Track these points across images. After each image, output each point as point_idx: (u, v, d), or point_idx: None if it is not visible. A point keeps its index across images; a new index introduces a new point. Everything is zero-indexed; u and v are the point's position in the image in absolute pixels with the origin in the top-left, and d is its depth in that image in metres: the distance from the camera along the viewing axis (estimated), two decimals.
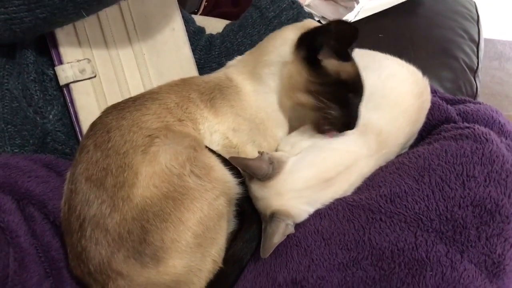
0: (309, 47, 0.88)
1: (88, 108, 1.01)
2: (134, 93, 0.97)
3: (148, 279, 0.75)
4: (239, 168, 0.85)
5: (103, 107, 0.92)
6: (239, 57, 1.01)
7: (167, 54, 1.06)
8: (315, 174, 0.83)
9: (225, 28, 1.25)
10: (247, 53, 1.00)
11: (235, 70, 0.97)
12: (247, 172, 0.85)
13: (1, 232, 0.81)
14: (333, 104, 0.87)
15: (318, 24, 0.93)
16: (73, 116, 1.01)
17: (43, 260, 0.84)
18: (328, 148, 0.86)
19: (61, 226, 0.85)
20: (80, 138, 1.01)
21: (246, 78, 0.94)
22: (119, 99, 0.93)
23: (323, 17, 1.44)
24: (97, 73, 1.01)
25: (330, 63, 0.87)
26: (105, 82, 1.02)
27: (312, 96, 0.88)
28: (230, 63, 1.00)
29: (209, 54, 1.17)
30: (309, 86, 0.88)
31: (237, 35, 1.19)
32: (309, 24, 0.95)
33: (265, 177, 0.82)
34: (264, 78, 0.93)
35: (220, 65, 1.12)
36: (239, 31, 1.20)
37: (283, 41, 0.93)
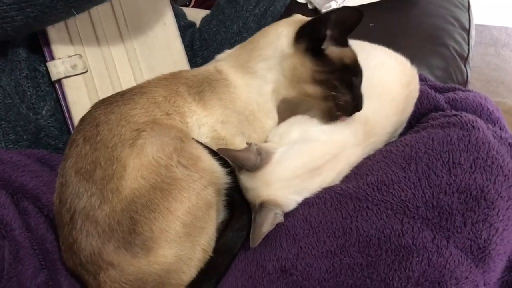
0: (311, 38, 0.89)
1: (80, 102, 1.02)
2: (126, 87, 0.97)
3: (139, 269, 0.76)
4: (227, 159, 0.86)
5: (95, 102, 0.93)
6: (228, 51, 1.01)
7: (158, 49, 1.07)
8: (303, 163, 0.84)
9: (201, 20, 1.25)
10: (238, 46, 1.00)
11: (225, 63, 0.96)
12: (236, 164, 0.86)
13: None
14: (343, 89, 0.88)
15: (307, 18, 0.94)
16: (65, 111, 1.02)
17: (38, 252, 0.86)
18: (316, 138, 0.87)
19: (54, 219, 0.86)
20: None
21: (238, 71, 0.94)
22: (110, 92, 0.94)
23: (310, 2, 1.44)
24: (89, 68, 1.02)
25: (334, 51, 0.89)
26: (97, 77, 1.03)
27: (320, 85, 0.89)
28: (219, 56, 1.00)
29: (192, 49, 1.18)
30: (316, 75, 0.89)
31: (211, 24, 1.20)
32: (300, 18, 0.96)
33: (254, 168, 0.83)
34: (260, 72, 0.93)
35: (204, 58, 1.13)
36: (212, 19, 1.20)
37: (277, 36, 0.92)
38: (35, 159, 0.98)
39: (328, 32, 0.88)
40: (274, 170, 0.83)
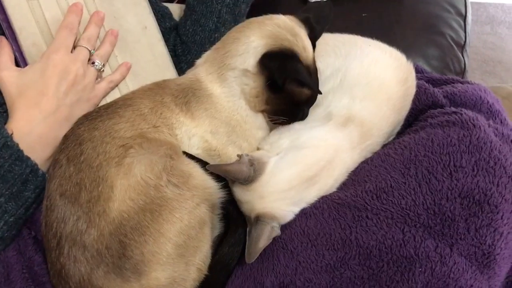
0: (275, 75, 0.85)
1: None
2: (110, 99, 0.94)
3: None
4: (220, 174, 0.83)
5: None
6: (205, 54, 0.95)
7: (141, 54, 1.02)
8: (298, 173, 0.81)
9: (179, 22, 1.19)
10: (213, 48, 0.95)
11: (202, 70, 0.92)
12: (229, 178, 0.83)
13: None
14: (286, 115, 0.88)
15: (283, 27, 0.88)
16: None
17: (27, 276, 0.84)
18: (308, 145, 0.83)
19: (42, 241, 0.83)
20: None
21: (214, 79, 0.90)
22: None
23: None
24: None
25: (290, 87, 0.86)
26: None
27: (270, 107, 0.90)
28: (198, 62, 0.95)
29: (176, 54, 1.13)
30: (268, 101, 0.89)
31: (186, 25, 1.14)
32: (274, 28, 0.88)
33: (247, 180, 0.79)
34: (230, 81, 0.89)
35: (188, 63, 1.08)
36: (186, 20, 1.14)
37: (247, 47, 0.87)
38: None
39: (292, 76, 0.85)
40: (268, 182, 0.80)
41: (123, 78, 0.99)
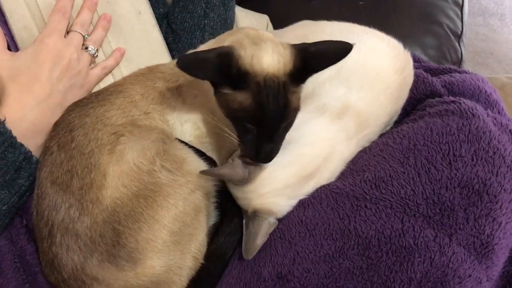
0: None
1: None
2: (103, 85, 0.92)
3: (126, 282, 0.73)
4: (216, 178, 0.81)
5: None
6: (208, 42, 0.91)
7: (135, 40, 0.99)
8: (294, 172, 0.79)
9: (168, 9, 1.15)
10: (210, 41, 0.91)
11: None
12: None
13: None
14: (234, 132, 0.77)
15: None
16: None
17: (19, 266, 0.82)
18: (303, 143, 0.81)
19: (33, 231, 0.81)
20: None
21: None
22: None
23: None
24: None
25: (222, 89, 0.73)
26: None
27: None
28: (201, 46, 0.92)
29: (167, 42, 1.10)
30: (218, 105, 0.78)
31: (174, 13, 1.11)
32: (244, 33, 0.79)
33: (243, 182, 0.78)
34: None
35: (179, 51, 1.06)
36: (175, 8, 1.11)
37: None
38: None
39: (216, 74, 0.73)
40: (264, 183, 0.78)
41: (117, 64, 0.96)
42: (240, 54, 0.72)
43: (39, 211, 0.75)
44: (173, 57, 1.08)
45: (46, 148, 0.79)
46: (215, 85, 0.74)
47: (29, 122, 0.82)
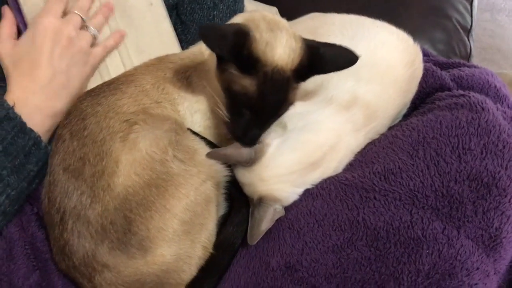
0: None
1: None
2: (115, 75, 0.92)
3: (136, 270, 0.73)
4: (221, 161, 0.82)
5: None
6: None
7: (146, 30, 1.00)
8: (299, 158, 0.79)
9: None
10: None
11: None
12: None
13: None
14: (228, 113, 0.78)
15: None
16: None
17: (29, 252, 0.83)
18: (308, 130, 0.81)
19: (44, 218, 0.82)
20: None
21: (210, 54, 0.86)
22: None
23: None
24: None
25: (229, 68, 0.74)
26: None
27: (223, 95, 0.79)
28: None
29: (176, 33, 1.10)
30: (218, 80, 0.78)
31: (184, 4, 1.10)
32: (259, 15, 0.80)
33: (249, 163, 0.78)
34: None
35: (188, 43, 1.06)
36: None
37: None
38: None
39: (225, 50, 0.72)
40: (268, 166, 0.78)
41: (117, 44, 0.96)
42: (255, 37, 0.72)
43: (51, 198, 0.76)
44: (182, 48, 1.08)
45: (58, 136, 0.79)
46: (221, 60, 0.75)
47: (33, 106, 0.82)
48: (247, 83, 0.73)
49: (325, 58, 0.74)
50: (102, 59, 0.94)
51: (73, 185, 0.74)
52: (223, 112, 0.78)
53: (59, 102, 0.84)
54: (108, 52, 0.95)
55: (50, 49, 0.84)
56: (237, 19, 0.80)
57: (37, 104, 0.83)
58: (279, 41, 0.73)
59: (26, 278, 0.80)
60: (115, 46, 0.96)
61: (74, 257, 0.73)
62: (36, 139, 0.80)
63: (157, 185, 0.73)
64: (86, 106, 0.79)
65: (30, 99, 0.82)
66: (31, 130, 0.80)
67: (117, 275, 0.73)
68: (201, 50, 0.89)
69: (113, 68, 0.96)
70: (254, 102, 0.73)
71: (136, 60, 0.97)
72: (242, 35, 0.71)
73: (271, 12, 1.31)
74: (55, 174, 0.76)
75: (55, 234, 0.76)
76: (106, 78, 0.93)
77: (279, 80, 0.73)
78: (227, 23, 0.79)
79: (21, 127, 0.79)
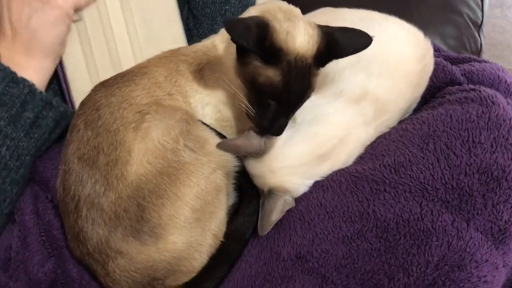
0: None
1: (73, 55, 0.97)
2: (118, 37, 0.95)
3: (149, 257, 0.74)
4: (232, 152, 0.82)
5: (88, 54, 0.94)
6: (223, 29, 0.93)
7: (155, 22, 1.01)
8: (308, 150, 0.80)
9: None
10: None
11: (220, 37, 0.90)
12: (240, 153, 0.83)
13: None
14: (254, 106, 0.77)
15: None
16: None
17: (45, 239, 0.84)
18: (318, 122, 0.82)
19: (58, 206, 0.83)
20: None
21: (225, 48, 0.87)
22: (103, 44, 0.94)
23: None
24: (82, 17, 0.97)
25: (252, 60, 0.74)
26: (90, 27, 0.98)
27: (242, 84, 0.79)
28: (223, 29, 0.93)
29: (188, 28, 1.11)
30: (238, 74, 0.79)
31: None
32: (275, 6, 0.80)
33: (259, 154, 0.79)
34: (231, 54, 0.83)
35: (200, 37, 1.04)
36: None
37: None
38: None
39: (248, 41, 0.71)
40: (277, 157, 0.79)
41: None
42: (275, 27, 0.73)
43: (66, 186, 0.77)
44: (193, 42, 1.09)
45: (73, 126, 0.81)
46: (242, 53, 0.75)
47: (14, 64, 0.83)
48: (272, 74, 0.73)
49: (341, 42, 0.75)
50: (72, 3, 0.91)
51: (87, 174, 0.75)
52: (245, 105, 0.78)
53: (34, 59, 0.84)
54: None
55: (7, 4, 0.84)
56: (252, 11, 0.80)
57: (16, 62, 0.83)
58: (298, 30, 0.74)
59: (41, 265, 0.82)
60: None
61: (88, 243, 0.75)
62: (30, 87, 0.82)
63: (169, 173, 0.75)
64: (100, 96, 0.81)
65: (7, 56, 0.83)
66: (24, 79, 0.81)
67: (130, 262, 0.74)
68: (214, 43, 0.89)
69: (118, 34, 0.98)
70: (279, 92, 0.74)
71: (146, 51, 0.98)
72: (264, 26, 0.72)
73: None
74: (70, 163, 0.77)
75: (70, 222, 0.77)
76: (110, 38, 0.96)
77: (302, 68, 0.74)
78: (246, 15, 0.79)
79: (12, 77, 0.80)
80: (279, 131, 0.77)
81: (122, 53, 0.99)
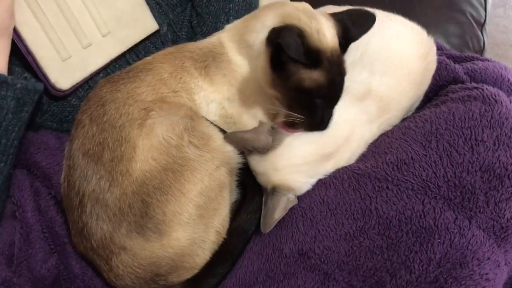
0: (274, 46, 0.77)
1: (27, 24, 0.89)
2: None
3: (152, 253, 0.75)
4: (237, 145, 0.83)
5: (41, 17, 0.86)
6: (236, 21, 0.94)
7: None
8: (314, 150, 0.81)
9: None
10: (243, 18, 0.93)
11: (226, 36, 0.90)
12: (246, 147, 0.83)
13: (12, 208, 0.82)
14: (299, 109, 0.79)
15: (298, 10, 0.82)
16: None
17: (48, 236, 0.85)
18: None
19: (62, 202, 0.83)
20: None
21: (235, 47, 0.88)
22: (52, 2, 0.87)
23: None
24: None
25: (294, 69, 0.76)
26: None
27: (279, 93, 0.81)
28: (227, 26, 0.94)
29: (192, 25, 1.10)
30: (275, 84, 0.80)
31: None
32: (292, 7, 0.83)
33: (265, 149, 0.79)
34: (245, 56, 0.87)
35: (203, 35, 1.04)
36: None
37: (262, 26, 0.82)
38: (53, 136, 0.94)
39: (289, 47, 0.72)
40: (282, 155, 0.80)
41: None
42: (306, 30, 0.76)
43: (70, 182, 0.78)
44: (196, 40, 1.09)
45: (78, 121, 0.81)
46: (278, 66, 0.77)
47: None
48: (317, 76, 0.76)
49: (352, 27, 0.80)
50: None
51: (92, 169, 0.75)
52: (286, 111, 0.81)
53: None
54: None
55: None
56: (270, 16, 0.82)
57: None
58: (323, 25, 0.78)
59: (44, 262, 0.82)
60: None
61: (92, 239, 0.75)
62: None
63: (173, 169, 0.75)
64: (106, 92, 0.81)
65: None
66: None
67: (134, 258, 0.74)
68: (220, 40, 0.90)
69: (78, 14, 0.92)
70: (326, 89, 0.77)
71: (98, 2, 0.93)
72: (300, 35, 0.74)
73: None
74: (75, 159, 0.78)
75: (74, 217, 0.77)
76: (75, 26, 0.90)
77: (338, 60, 0.79)
78: (263, 18, 0.82)
79: None
80: (329, 123, 0.80)
81: (73, 7, 0.92)
